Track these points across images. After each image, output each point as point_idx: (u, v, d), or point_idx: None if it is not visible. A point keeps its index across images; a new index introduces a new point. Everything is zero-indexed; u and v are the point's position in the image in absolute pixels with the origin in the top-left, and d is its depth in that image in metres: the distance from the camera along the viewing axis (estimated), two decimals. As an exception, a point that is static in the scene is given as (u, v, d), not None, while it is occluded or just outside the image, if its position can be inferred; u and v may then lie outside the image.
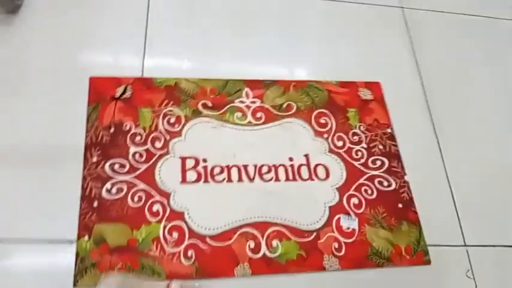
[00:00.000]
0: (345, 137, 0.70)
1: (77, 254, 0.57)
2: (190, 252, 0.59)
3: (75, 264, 0.56)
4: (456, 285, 0.63)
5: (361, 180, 0.67)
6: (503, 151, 0.73)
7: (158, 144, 0.64)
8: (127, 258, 0.57)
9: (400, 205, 0.67)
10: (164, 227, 0.60)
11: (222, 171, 0.64)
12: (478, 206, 0.69)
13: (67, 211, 0.59)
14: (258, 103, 0.71)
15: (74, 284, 0.56)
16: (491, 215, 0.69)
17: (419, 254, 0.63)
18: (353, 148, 0.69)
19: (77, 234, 0.58)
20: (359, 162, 0.68)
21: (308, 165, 0.67)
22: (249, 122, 0.69)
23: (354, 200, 0.66)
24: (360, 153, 0.69)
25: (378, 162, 0.69)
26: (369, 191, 0.67)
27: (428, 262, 0.63)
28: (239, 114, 0.69)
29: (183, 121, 0.67)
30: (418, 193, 0.68)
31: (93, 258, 0.57)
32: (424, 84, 0.77)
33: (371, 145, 0.70)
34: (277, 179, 0.65)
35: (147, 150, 0.63)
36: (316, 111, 0.72)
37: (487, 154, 0.73)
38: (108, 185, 0.60)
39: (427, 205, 0.67)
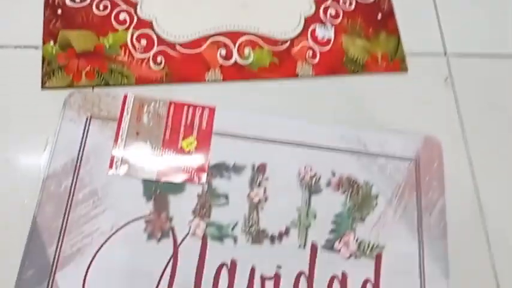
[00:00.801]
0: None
1: (43, 58, 0.55)
2: (159, 58, 0.57)
3: (42, 68, 0.54)
4: (434, 94, 0.60)
5: (340, -7, 0.63)
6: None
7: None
8: (95, 62, 0.56)
9: (379, 16, 0.64)
10: (132, 35, 0.58)
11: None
12: (460, 13, 0.65)
13: (31, 19, 0.57)
14: None
15: (42, 86, 0.54)
16: (475, 21, 0.65)
17: (396, 62, 0.61)
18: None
19: (42, 39, 0.56)
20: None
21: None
22: None
23: (331, 11, 0.63)
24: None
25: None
26: (347, 3, 0.64)
27: (405, 69, 0.61)
28: None
29: None
30: (399, 2, 0.64)
31: (60, 61, 0.56)
32: None
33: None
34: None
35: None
36: None
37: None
38: (72, -6, 0.58)
39: (407, 13, 0.63)
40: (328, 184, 0.53)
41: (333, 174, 0.54)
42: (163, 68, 0.57)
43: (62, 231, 0.48)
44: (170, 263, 0.48)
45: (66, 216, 0.48)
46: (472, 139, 0.59)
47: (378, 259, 0.51)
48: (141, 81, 0.56)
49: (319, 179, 0.53)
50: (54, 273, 0.46)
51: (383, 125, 0.58)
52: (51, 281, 0.45)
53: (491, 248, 0.54)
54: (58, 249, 0.47)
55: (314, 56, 0.60)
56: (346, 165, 0.54)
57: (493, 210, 0.56)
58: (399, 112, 0.59)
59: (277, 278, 0.48)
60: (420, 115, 0.59)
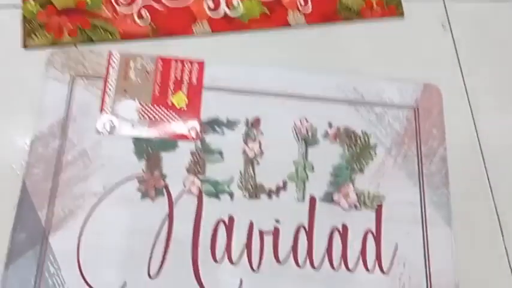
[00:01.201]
0: None
1: (24, 17, 0.53)
2: (144, 12, 0.55)
3: (23, 27, 0.52)
4: (432, 40, 0.58)
5: None
6: None
7: None
8: (76, 19, 0.54)
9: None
10: (114, -12, 0.55)
11: None
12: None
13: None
14: None
15: (24, 46, 0.51)
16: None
17: (391, 7, 0.59)
18: None
19: (20, -3, 0.53)
20: None
21: None
22: None
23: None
24: None
25: None
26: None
27: (401, 14, 0.58)
28: None
29: None
30: None
31: (41, 19, 0.53)
32: None
33: None
34: None
35: None
36: None
37: None
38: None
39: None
40: (325, 136, 0.51)
41: (330, 125, 0.52)
42: (148, 22, 0.54)
43: (53, 194, 0.46)
44: (166, 222, 0.46)
45: (55, 178, 0.47)
46: (472, 85, 0.57)
47: (379, 209, 0.49)
48: (126, 36, 0.53)
49: (316, 131, 0.52)
50: (47, 236, 0.44)
51: (380, 73, 0.55)
52: (44, 244, 0.44)
53: (493, 194, 0.53)
54: (49, 212, 0.45)
55: (306, 3, 0.57)
56: (343, 116, 0.53)
57: (495, 156, 0.55)
58: (396, 59, 0.57)
59: (276, 232, 0.47)
60: (418, 62, 0.57)
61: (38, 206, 0.46)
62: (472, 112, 0.56)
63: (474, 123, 0.56)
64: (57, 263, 0.44)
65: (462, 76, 0.58)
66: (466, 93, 0.57)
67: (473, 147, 0.55)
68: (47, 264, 0.44)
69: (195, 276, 0.45)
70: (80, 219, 0.46)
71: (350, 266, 0.48)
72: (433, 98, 0.55)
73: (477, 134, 0.55)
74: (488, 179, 0.54)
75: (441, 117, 0.54)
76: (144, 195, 0.47)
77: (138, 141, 0.49)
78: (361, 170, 0.51)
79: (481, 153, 0.54)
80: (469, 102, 0.57)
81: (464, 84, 0.57)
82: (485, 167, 0.54)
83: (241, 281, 0.46)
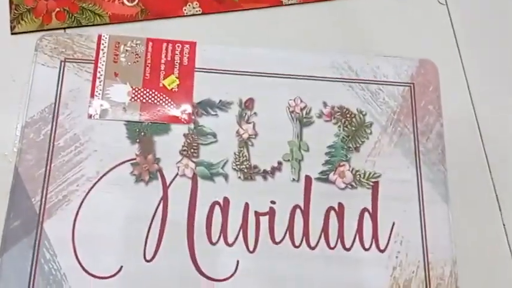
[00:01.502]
0: None
1: (11, 2, 0.52)
2: (133, -6, 0.53)
3: (10, 13, 0.51)
4: (428, 15, 0.57)
5: None
6: None
7: None
8: (64, 2, 0.53)
9: None
10: (102, -30, 0.53)
11: None
12: None
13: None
14: None
15: (12, 32, 0.50)
16: None
17: (386, -19, 0.57)
18: None
19: (6, -18, 0.52)
20: None
21: None
22: None
23: None
24: None
25: None
26: None
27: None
28: None
29: None
30: None
31: (28, 4, 0.52)
32: None
33: None
34: None
35: None
36: None
37: None
38: None
39: None
40: (320, 115, 0.51)
41: (324, 104, 0.51)
42: (137, 4, 0.53)
43: (46, 180, 0.46)
44: (161, 205, 0.46)
45: (48, 164, 0.46)
46: (469, 60, 0.56)
47: (375, 188, 0.49)
48: (115, 19, 0.52)
49: (310, 110, 0.51)
50: (42, 223, 0.44)
51: (375, 50, 0.54)
52: (39, 231, 0.44)
53: (491, 170, 0.52)
54: (43, 198, 0.45)
55: (298, -19, 0.56)
56: (337, 95, 0.52)
57: (493, 131, 0.54)
58: (391, 36, 0.56)
59: (271, 213, 0.47)
60: (414, 38, 0.56)
61: (31, 192, 0.45)
62: (468, 87, 0.56)
63: (471, 98, 0.55)
64: (52, 249, 0.44)
65: (459, 50, 0.57)
66: (463, 67, 0.56)
67: (470, 122, 0.54)
68: (43, 251, 0.44)
69: (191, 258, 0.45)
70: (74, 204, 0.46)
71: (347, 245, 0.48)
72: (429, 73, 0.54)
73: (474, 109, 0.55)
74: (486, 154, 0.53)
75: (438, 93, 0.54)
76: (138, 179, 0.47)
77: (130, 125, 0.48)
78: (357, 149, 0.51)
79: (478, 127, 0.54)
80: (465, 76, 0.56)
81: (461, 59, 0.56)
82: (482, 142, 0.54)
83: (237, 263, 0.46)
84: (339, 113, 0.52)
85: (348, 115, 0.52)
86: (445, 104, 0.54)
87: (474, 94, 0.55)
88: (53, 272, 0.43)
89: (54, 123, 0.48)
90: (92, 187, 0.46)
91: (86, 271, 0.44)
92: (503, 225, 0.51)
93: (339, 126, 0.51)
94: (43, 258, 0.44)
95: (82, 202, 0.46)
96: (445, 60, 0.55)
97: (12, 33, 0.51)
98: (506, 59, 0.58)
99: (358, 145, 0.51)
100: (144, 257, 0.45)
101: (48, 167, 0.46)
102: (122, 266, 0.44)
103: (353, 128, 0.51)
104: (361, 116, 0.52)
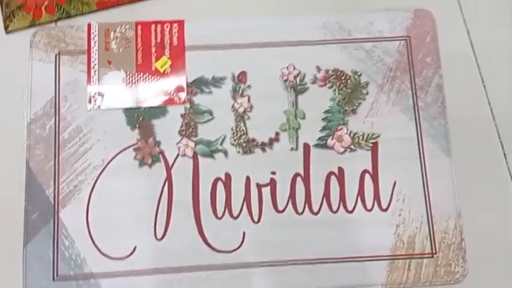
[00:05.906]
0: None
1: (1, 1, 0.53)
2: (117, -23, 0.53)
3: (2, 12, 0.52)
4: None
5: None
6: None
7: None
8: (52, -5, 0.52)
9: None
10: (84, -44, 0.53)
11: None
12: None
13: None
14: None
15: (6, 31, 0.52)
16: None
17: None
18: None
19: (-7, -20, 0.53)
20: None
21: None
22: None
23: None
24: None
25: None
26: None
27: None
28: None
29: None
30: None
31: (18, 1, 0.53)
32: None
33: None
34: None
35: None
36: None
37: None
38: None
39: None
40: (314, 81, 0.51)
41: (318, 69, 0.51)
42: (123, -13, 0.53)
43: (56, 172, 0.48)
44: (166, 186, 0.48)
45: (56, 157, 0.49)
46: (468, 5, 0.54)
47: (374, 149, 0.49)
48: (102, 5, 0.53)
49: (304, 77, 0.51)
50: (58, 213, 0.47)
51: (367, 5, 0.53)
52: (56, 220, 0.47)
53: (495, 117, 0.51)
54: (56, 189, 0.48)
55: None
56: (330, 58, 0.51)
57: (495, 76, 0.52)
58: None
59: (273, 183, 0.48)
60: (407, -13, 0.54)
61: (44, 185, 0.48)
62: (469, 33, 0.54)
63: (472, 46, 0.53)
64: (70, 237, 0.47)
65: (457, -2, 0.54)
66: (462, 13, 0.54)
67: (472, 72, 0.53)
68: (62, 239, 0.47)
69: (200, 233, 0.48)
70: (85, 193, 0.48)
71: (349, 207, 0.49)
72: (426, 23, 0.52)
73: (475, 57, 0.53)
74: (489, 103, 0.52)
75: (435, 44, 0.52)
76: (141, 163, 0.49)
77: (128, 112, 0.50)
78: (354, 111, 0.51)
79: (481, 76, 0.53)
80: (465, 23, 0.54)
81: (459, 4, 0.54)
82: (485, 90, 0.52)
83: (244, 234, 0.48)
84: (334, 76, 0.51)
85: (343, 77, 0.51)
86: (444, 54, 0.52)
87: (475, 41, 0.53)
88: (73, 257, 0.47)
89: (57, 117, 0.50)
90: (99, 175, 0.49)
91: (103, 254, 0.47)
92: (510, 173, 0.50)
93: (334, 90, 0.51)
94: (63, 245, 0.47)
95: (92, 190, 0.48)
96: (442, 8, 0.53)
97: (7, 33, 0.52)
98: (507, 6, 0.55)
99: (354, 107, 0.51)
100: (155, 236, 0.48)
101: (56, 160, 0.49)
102: (135, 246, 0.47)
103: (348, 90, 0.51)
104: (356, 77, 0.51)
